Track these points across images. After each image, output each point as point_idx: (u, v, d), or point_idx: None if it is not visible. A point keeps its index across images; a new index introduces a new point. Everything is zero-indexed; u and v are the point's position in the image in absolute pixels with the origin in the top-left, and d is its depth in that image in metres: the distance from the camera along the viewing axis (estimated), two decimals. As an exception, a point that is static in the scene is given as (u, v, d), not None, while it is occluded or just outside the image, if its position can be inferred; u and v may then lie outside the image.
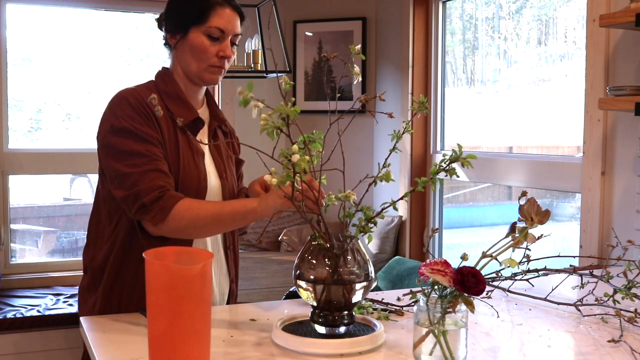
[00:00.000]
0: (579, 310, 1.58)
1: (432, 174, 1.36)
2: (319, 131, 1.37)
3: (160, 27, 1.81)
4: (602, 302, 1.51)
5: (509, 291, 1.57)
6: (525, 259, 1.55)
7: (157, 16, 1.83)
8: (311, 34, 4.17)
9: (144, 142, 1.62)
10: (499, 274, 1.65)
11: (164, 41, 1.80)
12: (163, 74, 1.78)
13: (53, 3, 3.88)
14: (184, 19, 1.71)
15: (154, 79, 1.79)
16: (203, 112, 1.82)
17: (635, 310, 1.46)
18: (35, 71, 4.08)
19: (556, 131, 3.21)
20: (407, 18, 3.69)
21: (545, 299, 1.57)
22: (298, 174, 1.31)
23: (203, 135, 1.79)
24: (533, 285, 1.72)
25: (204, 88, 1.83)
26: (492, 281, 1.67)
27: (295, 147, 1.30)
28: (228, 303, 1.87)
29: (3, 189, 3.65)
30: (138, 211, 1.58)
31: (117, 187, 1.62)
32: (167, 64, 1.83)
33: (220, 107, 4.14)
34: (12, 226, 3.82)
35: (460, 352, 1.22)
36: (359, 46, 1.40)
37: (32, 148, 4.06)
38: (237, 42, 1.77)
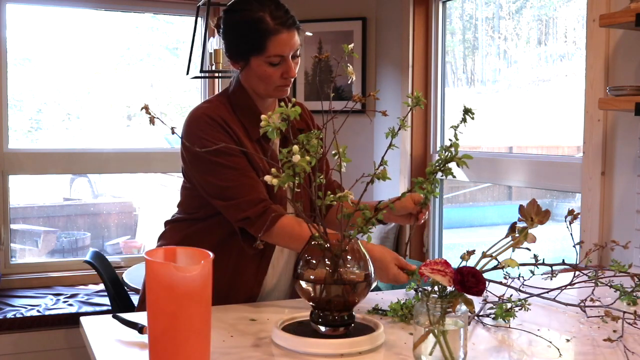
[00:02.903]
0: (583, 310, 1.58)
1: (428, 173, 1.36)
2: (316, 131, 1.37)
3: (218, 33, 1.86)
4: (608, 305, 1.51)
5: (520, 291, 1.57)
6: (532, 259, 1.55)
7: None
8: (311, 34, 4.17)
9: (230, 156, 1.68)
10: (507, 276, 1.65)
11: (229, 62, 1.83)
12: (236, 86, 1.81)
13: (53, 3, 3.88)
14: (243, 49, 1.73)
15: (228, 89, 1.83)
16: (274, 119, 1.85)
17: (635, 311, 1.45)
18: (35, 71, 4.08)
19: (556, 131, 3.21)
20: (407, 18, 3.69)
21: (554, 300, 1.57)
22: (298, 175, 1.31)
23: (274, 143, 1.82)
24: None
25: None
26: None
27: (295, 147, 1.30)
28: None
29: (3, 189, 3.65)
30: (241, 221, 1.66)
31: (216, 198, 1.70)
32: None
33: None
34: (12, 226, 3.82)
35: (460, 352, 1.22)
36: (351, 45, 1.40)
37: (32, 148, 4.06)
38: (299, 54, 1.79)
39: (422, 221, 1.72)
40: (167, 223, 1.93)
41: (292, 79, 1.78)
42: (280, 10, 1.74)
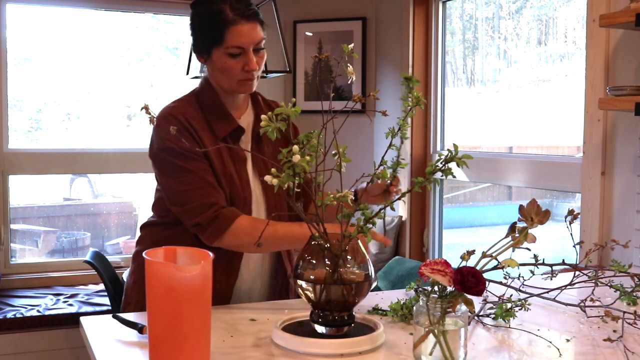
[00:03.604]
0: (583, 310, 1.58)
1: (428, 173, 1.36)
2: (317, 130, 1.37)
3: None
4: (608, 305, 1.51)
5: (520, 291, 1.57)
6: (532, 259, 1.55)
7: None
8: (311, 34, 4.17)
9: (190, 160, 1.68)
10: (507, 276, 1.65)
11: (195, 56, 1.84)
12: (204, 84, 1.82)
13: (53, 3, 3.88)
14: (204, 41, 1.75)
15: (197, 88, 1.83)
16: (246, 118, 1.85)
17: (635, 311, 1.45)
18: (35, 71, 4.08)
19: (556, 131, 3.21)
20: (407, 18, 3.69)
21: (554, 300, 1.57)
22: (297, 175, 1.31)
23: (245, 142, 1.82)
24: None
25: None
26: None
27: (295, 147, 1.30)
28: (286, 297, 1.89)
29: (3, 189, 3.65)
30: (194, 227, 1.67)
31: (172, 203, 1.71)
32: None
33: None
34: (12, 226, 3.82)
35: (460, 352, 1.22)
36: (351, 45, 1.40)
37: (32, 148, 4.06)
38: (262, 46, 1.77)
39: (396, 196, 1.68)
40: (142, 227, 1.91)
41: (257, 74, 1.76)
42: (241, 2, 1.73)
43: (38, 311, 3.23)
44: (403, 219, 3.77)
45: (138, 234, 1.94)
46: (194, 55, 3.28)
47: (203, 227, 1.65)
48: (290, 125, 1.92)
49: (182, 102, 1.80)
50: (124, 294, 1.92)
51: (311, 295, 1.38)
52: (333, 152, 1.39)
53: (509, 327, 1.51)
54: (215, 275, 1.75)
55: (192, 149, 1.68)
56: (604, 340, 1.39)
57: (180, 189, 1.68)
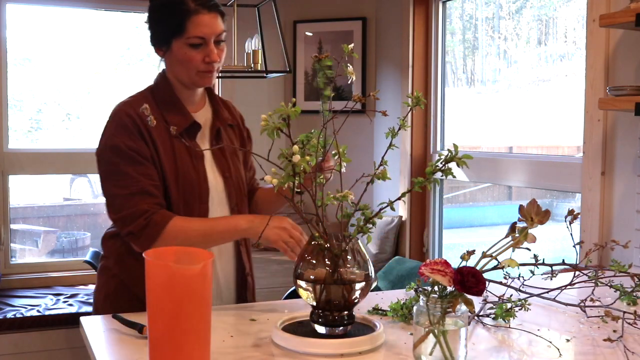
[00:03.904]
0: (583, 310, 1.58)
1: (428, 174, 1.36)
2: (317, 130, 1.38)
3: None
4: (608, 305, 1.51)
5: (520, 291, 1.57)
6: (532, 259, 1.55)
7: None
8: (311, 34, 4.17)
9: (133, 163, 1.64)
10: (507, 276, 1.65)
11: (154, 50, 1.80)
12: (160, 79, 1.79)
13: (53, 3, 3.88)
14: (164, 32, 1.72)
15: (152, 84, 1.80)
16: (203, 113, 1.82)
17: (635, 311, 1.46)
18: (35, 71, 4.08)
19: (556, 131, 3.21)
20: (407, 18, 3.69)
21: (554, 300, 1.57)
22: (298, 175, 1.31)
23: (203, 138, 1.79)
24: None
25: (200, 88, 1.82)
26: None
27: (295, 147, 1.30)
28: (244, 297, 1.87)
29: (3, 189, 3.65)
30: (127, 236, 1.64)
31: (107, 208, 1.69)
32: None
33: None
34: (12, 226, 3.82)
35: (460, 352, 1.22)
36: (351, 45, 1.40)
37: (32, 148, 4.06)
38: (223, 39, 1.74)
39: (330, 174, 1.65)
40: (104, 240, 1.85)
41: (217, 66, 1.73)
42: None
43: (38, 311, 3.23)
44: (403, 219, 3.77)
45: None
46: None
47: (135, 235, 1.62)
48: (240, 117, 1.95)
49: (136, 97, 1.77)
50: (94, 309, 1.86)
51: (311, 295, 1.38)
52: (333, 152, 1.39)
53: (509, 327, 1.51)
54: None
55: (139, 149, 1.65)
56: (604, 340, 1.39)
57: (116, 192, 1.65)
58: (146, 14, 1.81)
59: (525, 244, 1.29)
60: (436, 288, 1.22)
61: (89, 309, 3.28)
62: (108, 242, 1.82)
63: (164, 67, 1.80)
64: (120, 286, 1.76)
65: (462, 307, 1.21)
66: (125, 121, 1.68)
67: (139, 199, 1.62)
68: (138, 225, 1.61)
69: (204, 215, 1.73)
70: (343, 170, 1.40)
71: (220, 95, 4.14)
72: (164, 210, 1.65)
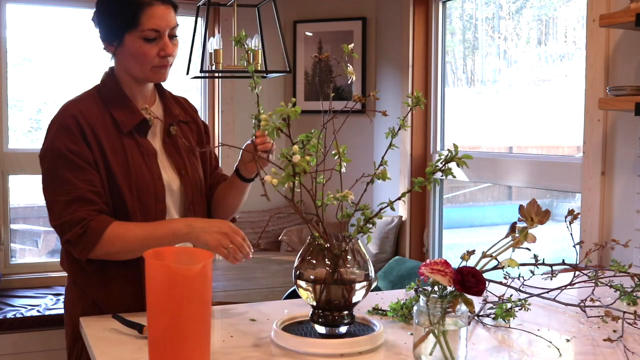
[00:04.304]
0: (583, 310, 1.58)
1: (428, 173, 1.36)
2: (317, 130, 1.37)
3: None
4: (608, 305, 1.51)
5: (520, 291, 1.57)
6: (532, 259, 1.55)
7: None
8: (311, 34, 4.17)
9: (73, 168, 1.58)
10: (507, 276, 1.65)
11: (103, 47, 1.72)
12: (107, 77, 1.72)
13: (53, 3, 3.88)
14: (116, 26, 1.64)
15: (99, 82, 1.73)
16: (155, 109, 1.75)
17: (635, 311, 1.46)
18: (35, 71, 4.08)
19: (556, 131, 3.21)
20: (407, 18, 3.69)
21: (554, 300, 1.57)
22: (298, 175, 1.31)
23: (154, 135, 1.73)
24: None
25: (150, 84, 1.75)
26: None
27: (295, 147, 1.30)
28: None
29: (3, 189, 3.65)
30: (65, 244, 1.59)
31: (48, 214, 1.62)
32: None
33: (220, 107, 4.14)
34: (12, 226, 3.82)
35: (460, 352, 1.22)
36: (351, 45, 1.40)
37: (32, 148, 4.05)
38: (176, 33, 1.69)
39: (268, 152, 1.64)
40: (63, 260, 1.76)
41: (171, 61, 1.68)
42: None
43: (38, 311, 3.23)
44: (403, 219, 3.77)
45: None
46: (194, 55, 3.30)
47: (73, 243, 1.57)
48: (194, 112, 1.88)
49: (82, 97, 1.70)
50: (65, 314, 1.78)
51: (311, 295, 1.38)
52: (333, 152, 1.39)
53: (509, 327, 1.51)
54: (121, 288, 1.66)
55: (81, 153, 1.59)
56: (604, 340, 1.39)
57: (55, 198, 1.59)
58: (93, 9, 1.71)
59: (525, 244, 1.29)
60: (436, 288, 1.22)
61: (89, 309, 3.28)
62: (69, 258, 1.70)
63: (112, 65, 1.72)
64: (90, 307, 1.67)
65: (462, 307, 1.21)
66: (68, 123, 1.61)
67: (77, 206, 1.56)
68: (75, 234, 1.55)
69: (161, 214, 1.67)
70: (343, 170, 1.39)
71: (220, 95, 4.16)
72: (101, 216, 1.58)
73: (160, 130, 1.74)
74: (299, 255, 1.42)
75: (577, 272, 1.64)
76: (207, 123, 1.89)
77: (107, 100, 1.68)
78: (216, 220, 1.65)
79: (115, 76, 1.71)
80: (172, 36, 1.67)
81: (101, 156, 1.62)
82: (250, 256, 1.60)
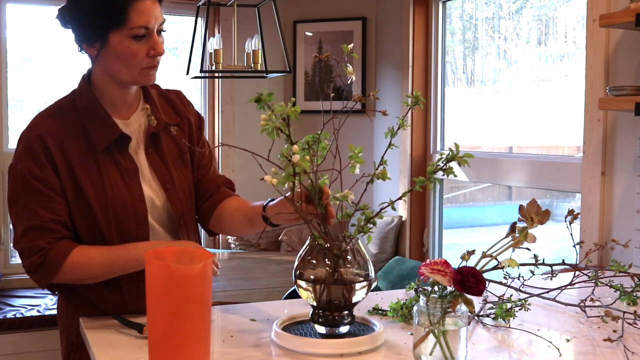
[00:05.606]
0: (583, 310, 1.58)
1: (429, 173, 1.35)
2: (324, 132, 1.37)
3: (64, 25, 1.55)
4: (608, 305, 1.51)
5: (520, 291, 1.57)
6: (532, 259, 1.55)
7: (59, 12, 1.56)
8: (311, 34, 4.17)
9: (35, 195, 1.48)
10: (507, 276, 1.65)
11: (79, 49, 1.56)
12: (83, 84, 1.59)
13: (53, 3, 3.88)
14: (100, 25, 1.47)
15: (76, 89, 1.61)
16: (137, 117, 1.60)
17: (635, 311, 1.46)
18: (35, 71, 4.08)
19: (556, 131, 3.21)
20: (407, 18, 3.69)
21: (554, 300, 1.57)
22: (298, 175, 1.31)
23: (137, 147, 1.58)
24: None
25: (135, 87, 1.60)
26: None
27: (295, 147, 1.30)
28: None
29: (3, 189, 3.65)
30: (26, 269, 1.51)
31: (14, 234, 1.53)
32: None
33: (220, 107, 4.14)
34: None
35: (460, 352, 1.22)
36: (351, 45, 1.40)
37: (32, 148, 4.05)
38: (163, 29, 1.54)
39: (333, 219, 1.41)
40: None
41: (159, 60, 1.53)
42: None
43: (38, 311, 3.23)
44: (403, 219, 3.77)
45: None
46: (194, 55, 3.30)
47: (31, 271, 1.49)
48: (186, 105, 1.71)
49: (55, 109, 1.58)
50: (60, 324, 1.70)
51: (311, 295, 1.38)
52: (349, 154, 1.38)
53: (509, 327, 1.51)
54: (108, 291, 1.58)
55: (45, 179, 1.47)
56: (604, 340, 1.39)
57: (16, 221, 1.50)
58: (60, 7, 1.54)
59: (525, 244, 1.29)
60: (436, 288, 1.22)
61: (89, 309, 3.28)
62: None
63: (89, 68, 1.59)
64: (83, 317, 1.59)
65: (462, 307, 1.21)
66: (33, 144, 1.49)
67: (36, 235, 1.47)
68: (33, 263, 1.47)
69: (143, 236, 1.55)
70: (357, 171, 1.39)
71: (220, 95, 4.16)
72: (61, 243, 1.48)
73: (143, 141, 1.59)
74: (299, 255, 1.42)
75: (577, 272, 1.64)
76: (201, 115, 1.77)
77: (82, 113, 1.54)
78: (181, 241, 1.58)
79: (92, 82, 1.57)
80: (159, 32, 1.53)
81: (71, 180, 1.50)
82: (218, 274, 1.50)
